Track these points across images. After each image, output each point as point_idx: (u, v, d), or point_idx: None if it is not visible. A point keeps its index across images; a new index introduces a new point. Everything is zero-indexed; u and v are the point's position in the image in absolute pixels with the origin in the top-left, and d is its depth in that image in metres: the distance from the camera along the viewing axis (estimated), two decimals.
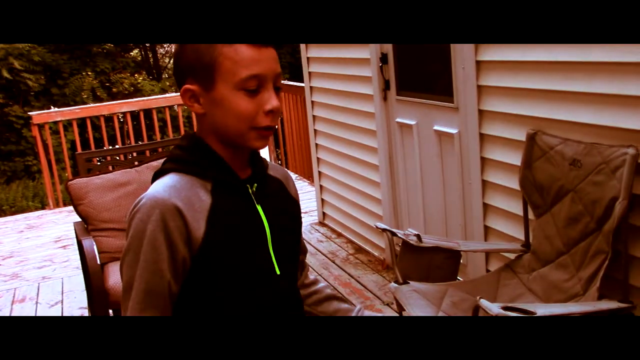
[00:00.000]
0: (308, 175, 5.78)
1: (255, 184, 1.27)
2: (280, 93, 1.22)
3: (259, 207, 1.26)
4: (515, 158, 2.47)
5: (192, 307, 1.19)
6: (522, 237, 2.46)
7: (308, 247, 4.24)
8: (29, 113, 6.66)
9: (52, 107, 9.85)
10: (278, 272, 1.27)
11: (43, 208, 7.41)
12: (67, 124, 7.75)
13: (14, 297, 3.97)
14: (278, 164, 7.13)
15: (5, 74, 10.02)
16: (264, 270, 1.25)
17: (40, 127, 6.08)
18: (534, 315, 1.70)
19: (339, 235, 4.41)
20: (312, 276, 1.51)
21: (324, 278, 3.71)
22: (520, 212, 2.45)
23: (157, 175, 1.23)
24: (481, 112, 2.68)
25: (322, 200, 4.67)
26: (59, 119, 6.15)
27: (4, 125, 10.67)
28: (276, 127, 1.23)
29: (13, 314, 3.70)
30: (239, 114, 1.17)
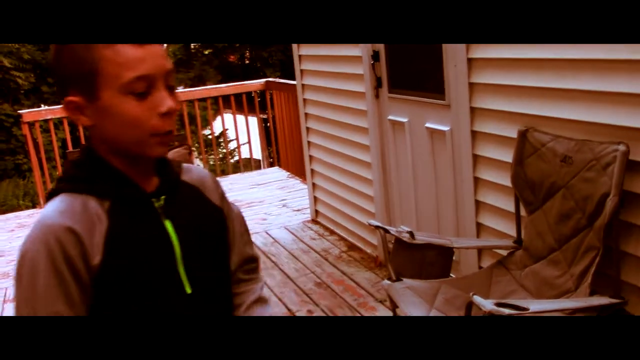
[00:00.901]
0: (301, 173, 5.78)
1: (163, 197, 1.15)
2: (175, 92, 1.11)
3: (167, 222, 1.14)
4: (507, 155, 2.48)
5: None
6: (514, 233, 2.48)
7: (301, 244, 4.24)
8: (19, 111, 6.62)
9: (42, 105, 9.80)
10: (189, 291, 1.15)
11: (34, 207, 7.37)
12: (58, 122, 7.70)
13: (4, 296, 3.95)
14: (270, 162, 7.14)
15: None
16: (171, 291, 1.14)
17: (31, 125, 6.05)
18: (525, 315, 1.71)
19: (332, 232, 4.42)
20: (257, 286, 1.37)
21: (316, 275, 3.71)
22: (512, 209, 2.46)
23: (50, 195, 1.11)
24: (473, 110, 2.69)
25: (315, 198, 4.67)
26: (49, 117, 6.12)
27: None
28: (173, 130, 1.10)
29: (4, 313, 3.68)
30: (131, 121, 1.05)
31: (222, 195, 1.30)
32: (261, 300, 1.34)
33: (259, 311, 1.33)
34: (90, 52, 1.04)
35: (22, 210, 6.95)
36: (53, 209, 1.08)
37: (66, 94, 1.09)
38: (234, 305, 1.32)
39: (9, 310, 3.72)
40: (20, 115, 6.13)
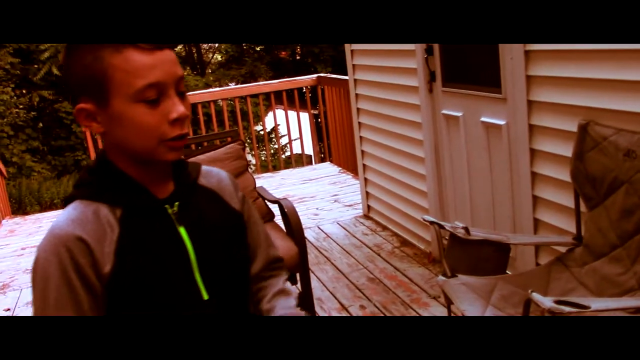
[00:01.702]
0: (352, 168, 5.77)
1: (177, 203, 1.15)
2: (186, 97, 1.11)
3: (181, 229, 1.14)
4: (565, 149, 2.42)
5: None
6: (573, 230, 2.41)
7: (353, 240, 4.24)
8: None
9: None
10: (206, 297, 1.15)
11: None
12: None
13: None
14: (321, 157, 7.15)
15: (55, 71, 10.27)
16: (187, 297, 1.13)
17: None
18: (586, 313, 1.66)
19: (384, 228, 4.40)
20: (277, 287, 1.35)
21: (369, 271, 3.70)
22: (571, 205, 2.40)
23: (65, 202, 1.13)
24: (530, 103, 2.63)
25: (367, 193, 4.66)
26: None
27: (54, 121, 10.95)
28: (188, 134, 1.11)
29: None
30: (142, 128, 1.05)
31: (243, 199, 1.29)
32: (284, 292, 1.34)
33: (282, 302, 1.32)
34: (99, 61, 1.05)
35: None
36: (65, 218, 1.09)
37: (77, 102, 1.09)
38: (257, 298, 1.32)
39: None
40: None
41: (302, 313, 1.32)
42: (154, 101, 1.05)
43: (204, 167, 1.27)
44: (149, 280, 1.10)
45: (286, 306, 1.31)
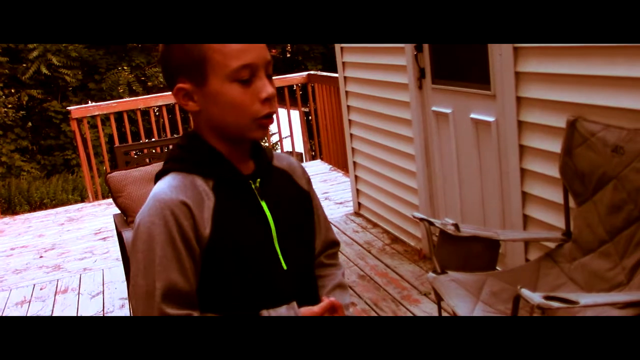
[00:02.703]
0: (343, 166, 5.77)
1: (259, 179, 1.25)
2: (273, 80, 1.20)
3: (263, 203, 1.24)
4: (554, 145, 2.43)
5: (206, 303, 1.18)
6: (562, 225, 2.42)
7: (344, 237, 4.24)
8: (67, 108, 6.79)
9: (89, 101, 10.02)
10: (285, 268, 1.24)
11: (83, 201, 7.55)
12: (105, 118, 7.86)
13: (57, 288, 4.06)
14: (312, 155, 7.15)
15: (44, 70, 10.21)
16: (270, 267, 1.23)
17: (79, 121, 6.19)
18: (575, 308, 1.67)
19: (375, 225, 4.40)
20: (337, 272, 1.44)
21: (360, 268, 3.71)
22: (560, 201, 2.41)
23: (159, 175, 1.22)
24: (519, 99, 2.63)
25: (358, 190, 4.66)
26: (96, 113, 6.26)
27: (44, 121, 10.89)
28: (275, 113, 1.22)
29: (56, 305, 3.79)
30: (236, 105, 1.15)
31: (309, 181, 1.39)
32: (342, 286, 1.41)
33: (339, 296, 1.38)
34: (199, 44, 1.14)
35: (71, 204, 7.13)
36: (167, 185, 1.17)
37: (175, 82, 1.18)
38: (318, 285, 1.39)
39: (60, 302, 3.83)
40: (68, 112, 6.29)
41: (354, 314, 1.38)
42: (246, 81, 1.15)
43: (275, 152, 1.37)
44: (241, 247, 1.19)
45: (342, 302, 1.37)
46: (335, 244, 1.46)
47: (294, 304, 1.23)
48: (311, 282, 1.35)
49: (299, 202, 1.34)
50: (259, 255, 1.22)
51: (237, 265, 1.18)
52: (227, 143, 1.21)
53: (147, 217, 1.14)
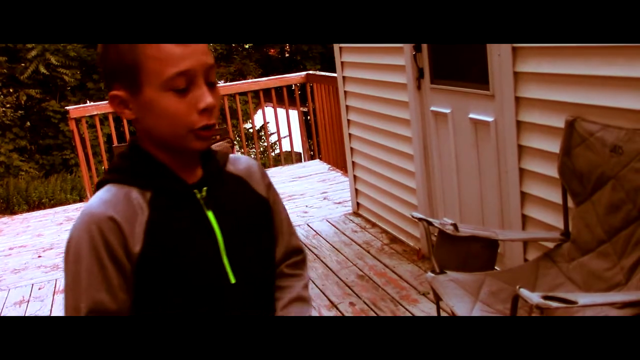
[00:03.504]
0: (341, 166, 5.78)
1: (205, 188, 1.17)
2: (216, 87, 1.12)
3: (209, 213, 1.16)
4: (553, 145, 2.43)
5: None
6: (561, 225, 2.42)
7: (342, 237, 4.24)
8: (66, 107, 6.78)
9: (88, 101, 10.02)
10: (233, 281, 1.17)
11: (81, 200, 7.55)
12: (103, 118, 7.87)
13: (55, 287, 4.06)
14: (310, 155, 7.15)
15: (43, 69, 10.20)
16: (215, 281, 1.15)
17: (77, 121, 6.18)
18: (574, 307, 1.67)
19: (374, 225, 4.41)
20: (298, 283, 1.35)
21: (358, 268, 3.71)
22: (559, 201, 2.41)
23: (98, 186, 1.16)
24: (518, 99, 2.64)
25: (356, 190, 4.66)
26: (95, 112, 6.25)
27: (42, 120, 10.88)
28: (215, 124, 1.13)
29: (54, 305, 3.78)
30: (171, 116, 1.08)
31: (269, 185, 1.31)
32: (301, 299, 1.33)
33: (296, 310, 1.31)
34: (133, 49, 1.07)
35: (70, 204, 7.13)
36: (97, 199, 1.12)
37: (111, 89, 1.12)
38: (275, 297, 1.31)
39: (59, 301, 3.82)
40: (67, 112, 6.28)
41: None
42: (183, 90, 1.08)
43: (232, 155, 1.30)
44: (177, 262, 1.12)
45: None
46: (299, 251, 1.37)
47: None
48: (269, 294, 1.28)
49: (255, 209, 1.26)
50: (201, 269, 1.14)
51: (175, 280, 1.12)
52: (169, 152, 1.14)
53: (76, 232, 1.10)
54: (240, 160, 1.29)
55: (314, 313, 3.20)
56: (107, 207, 1.10)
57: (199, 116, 1.09)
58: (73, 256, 1.09)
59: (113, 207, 1.10)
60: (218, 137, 3.45)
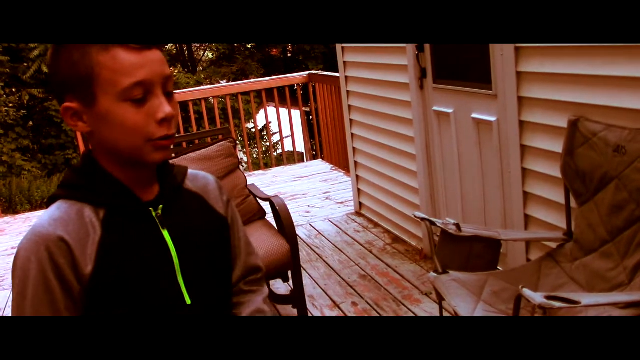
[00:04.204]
0: (344, 166, 5.77)
1: (161, 206, 1.14)
2: (174, 98, 1.10)
3: (165, 232, 1.13)
4: (556, 145, 2.42)
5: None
6: (564, 225, 2.42)
7: (345, 237, 4.24)
8: None
9: None
10: (189, 302, 1.13)
11: None
12: None
13: None
14: (313, 154, 7.14)
15: (45, 69, 10.21)
16: (170, 303, 1.12)
17: None
18: (577, 308, 1.67)
19: (376, 225, 4.40)
20: (259, 298, 1.33)
21: (361, 268, 3.71)
22: (562, 201, 2.41)
23: (49, 201, 1.12)
24: (521, 99, 2.63)
25: (359, 190, 4.66)
26: None
27: (45, 120, 10.90)
28: (174, 134, 1.10)
29: None
30: (128, 127, 1.04)
31: (227, 203, 1.27)
32: (260, 312, 1.30)
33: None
34: (86, 58, 1.04)
35: None
36: (48, 217, 1.07)
37: (63, 100, 1.08)
38: (233, 313, 1.29)
39: None
40: None
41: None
42: (140, 100, 1.04)
43: (191, 171, 1.26)
44: (131, 283, 1.08)
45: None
46: (257, 269, 1.34)
47: None
48: (226, 312, 1.25)
49: (212, 228, 1.22)
50: (155, 290, 1.10)
51: (128, 302, 1.07)
52: (125, 166, 1.10)
53: (23, 252, 1.05)
54: (199, 177, 1.26)
55: (313, 310, 3.20)
56: (57, 226, 1.05)
57: (157, 126, 1.06)
58: (20, 276, 1.05)
59: (64, 226, 1.05)
60: (221, 136, 3.45)
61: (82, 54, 1.04)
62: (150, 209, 1.13)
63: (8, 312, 3.77)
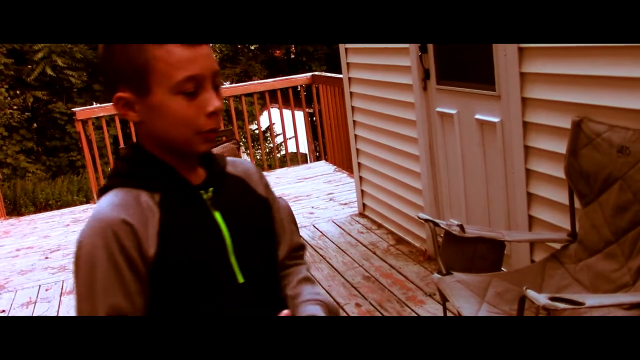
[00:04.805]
0: (347, 167, 5.77)
1: (211, 189, 1.18)
2: (221, 92, 1.15)
3: (216, 214, 1.17)
4: (560, 146, 2.42)
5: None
6: (567, 226, 2.42)
7: (348, 238, 4.24)
8: (72, 109, 6.80)
9: (94, 103, 10.04)
10: (241, 281, 1.17)
11: (88, 202, 7.57)
12: (110, 120, 7.89)
13: (62, 289, 4.07)
14: (316, 156, 7.15)
15: (49, 71, 10.24)
16: (224, 281, 1.16)
17: (84, 122, 6.21)
18: (581, 309, 1.66)
19: (380, 226, 4.40)
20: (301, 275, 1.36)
21: (364, 269, 3.71)
22: (566, 201, 2.40)
23: (102, 192, 1.14)
24: (524, 100, 2.63)
25: (362, 191, 4.66)
26: (101, 114, 6.27)
27: (49, 122, 10.92)
28: (220, 127, 1.15)
29: (62, 306, 3.80)
30: (180, 119, 1.09)
31: (267, 186, 1.32)
32: (309, 280, 1.35)
33: (308, 288, 1.32)
34: (143, 51, 1.07)
35: (76, 205, 7.15)
36: (107, 203, 1.10)
37: (116, 90, 1.12)
38: (283, 285, 1.32)
39: (66, 303, 3.83)
40: (73, 113, 6.30)
41: (330, 299, 1.33)
42: (191, 94, 1.09)
43: (229, 158, 1.31)
44: (190, 263, 1.12)
45: (313, 292, 1.31)
46: (300, 247, 1.39)
47: None
48: (274, 293, 1.28)
49: (257, 209, 1.27)
50: (211, 269, 1.15)
51: (188, 281, 1.12)
52: (171, 154, 1.15)
53: (87, 239, 1.08)
54: (237, 162, 1.30)
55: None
56: (119, 210, 1.08)
57: (206, 119, 1.10)
58: (86, 263, 1.07)
59: (125, 210, 1.09)
60: (224, 138, 3.45)
61: (139, 48, 1.08)
62: (201, 191, 1.17)
63: (13, 313, 3.78)
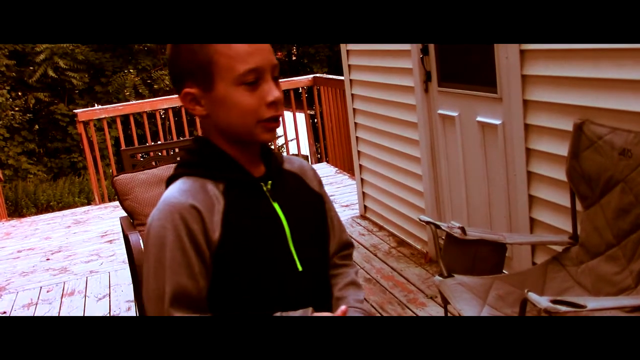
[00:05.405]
0: (348, 169, 5.77)
1: (270, 182, 1.25)
2: (279, 83, 1.21)
3: (275, 205, 1.24)
4: (561, 149, 2.42)
5: (219, 306, 1.19)
6: (569, 229, 2.41)
7: None
8: (74, 111, 6.81)
9: (96, 104, 10.05)
10: (300, 269, 1.25)
11: (89, 204, 7.57)
12: (111, 121, 7.90)
13: (63, 290, 4.07)
14: (317, 158, 7.15)
15: (51, 73, 10.26)
16: (285, 269, 1.23)
17: (85, 124, 6.21)
18: (582, 312, 1.66)
19: (381, 228, 4.40)
20: (350, 275, 1.42)
21: (366, 271, 3.70)
22: (567, 204, 2.40)
23: (170, 181, 1.23)
24: (526, 102, 2.63)
25: (363, 193, 4.65)
26: (103, 116, 6.27)
27: (50, 123, 10.94)
28: (280, 117, 1.23)
29: (63, 307, 3.80)
30: (243, 109, 1.16)
31: (320, 183, 1.39)
32: (354, 283, 1.41)
33: (353, 293, 1.38)
34: (206, 47, 1.15)
35: (77, 207, 7.15)
36: (177, 189, 1.18)
37: (183, 87, 1.19)
38: (331, 284, 1.38)
39: (67, 304, 3.84)
40: (75, 115, 6.31)
41: (372, 310, 1.38)
42: (252, 84, 1.15)
43: (285, 155, 1.38)
44: (252, 249, 1.19)
45: (357, 298, 1.37)
46: (349, 245, 1.46)
47: (310, 309, 1.20)
48: (325, 284, 1.35)
49: (312, 204, 1.34)
50: (273, 257, 1.22)
51: (249, 267, 1.19)
52: (236, 146, 1.22)
53: (157, 221, 1.15)
54: (293, 159, 1.38)
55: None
56: (187, 196, 1.16)
57: (267, 108, 1.17)
58: (156, 243, 1.14)
59: (193, 196, 1.16)
60: None
61: (202, 45, 1.15)
62: (262, 183, 1.24)
63: (14, 314, 3.78)
